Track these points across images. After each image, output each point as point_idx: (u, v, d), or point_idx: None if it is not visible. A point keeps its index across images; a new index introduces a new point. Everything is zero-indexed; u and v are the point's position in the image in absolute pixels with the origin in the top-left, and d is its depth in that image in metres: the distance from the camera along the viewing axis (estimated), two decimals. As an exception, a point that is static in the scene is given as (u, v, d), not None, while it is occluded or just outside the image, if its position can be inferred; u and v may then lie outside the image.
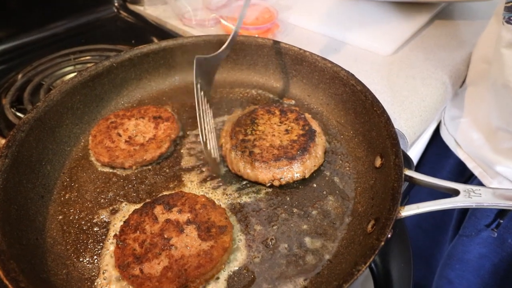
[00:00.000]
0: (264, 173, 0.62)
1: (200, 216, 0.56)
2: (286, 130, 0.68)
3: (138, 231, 0.55)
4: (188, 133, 0.74)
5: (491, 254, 0.93)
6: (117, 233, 0.55)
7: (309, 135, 0.66)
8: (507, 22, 0.70)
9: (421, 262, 1.16)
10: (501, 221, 0.88)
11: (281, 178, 0.62)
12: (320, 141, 0.68)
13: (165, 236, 0.54)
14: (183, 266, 0.51)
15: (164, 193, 0.63)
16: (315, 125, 0.70)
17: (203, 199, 0.59)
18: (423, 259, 1.16)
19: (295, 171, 0.63)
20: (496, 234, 0.89)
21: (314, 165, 0.65)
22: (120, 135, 0.69)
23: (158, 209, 0.57)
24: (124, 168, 0.67)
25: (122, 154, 0.66)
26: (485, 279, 0.95)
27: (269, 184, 0.63)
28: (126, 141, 0.68)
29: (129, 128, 0.71)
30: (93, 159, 0.69)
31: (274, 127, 0.69)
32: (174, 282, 0.49)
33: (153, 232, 0.55)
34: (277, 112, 0.72)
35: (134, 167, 0.67)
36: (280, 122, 0.70)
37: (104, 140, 0.68)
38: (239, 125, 0.69)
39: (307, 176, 0.64)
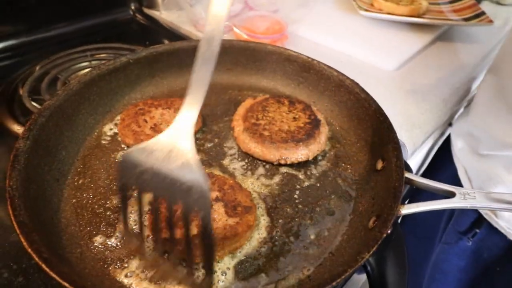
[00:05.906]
0: (272, 153, 0.69)
1: (228, 196, 0.60)
2: (294, 118, 0.75)
3: None
4: (208, 128, 0.78)
5: (469, 268, 0.95)
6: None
7: (315, 123, 0.73)
8: None
9: (415, 273, 1.18)
10: (477, 230, 0.90)
11: (286, 158, 0.69)
12: (324, 130, 0.74)
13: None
14: None
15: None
16: (320, 116, 0.77)
17: (231, 181, 0.63)
18: (417, 270, 1.17)
19: (300, 153, 0.70)
20: (470, 243, 0.92)
21: (318, 150, 0.72)
22: (146, 121, 0.73)
23: None
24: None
25: (146, 138, 0.68)
26: None
27: (276, 163, 0.70)
28: (151, 128, 0.72)
29: (155, 116, 0.74)
30: (108, 145, 0.72)
31: (283, 115, 0.76)
32: None
33: None
34: (286, 102, 0.79)
35: (153, 154, 0.70)
36: (289, 111, 0.77)
37: (131, 124, 0.72)
38: (251, 110, 0.76)
39: (310, 158, 0.71)
